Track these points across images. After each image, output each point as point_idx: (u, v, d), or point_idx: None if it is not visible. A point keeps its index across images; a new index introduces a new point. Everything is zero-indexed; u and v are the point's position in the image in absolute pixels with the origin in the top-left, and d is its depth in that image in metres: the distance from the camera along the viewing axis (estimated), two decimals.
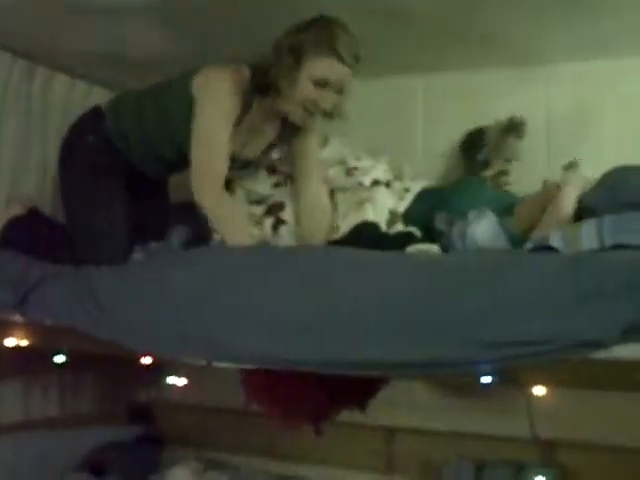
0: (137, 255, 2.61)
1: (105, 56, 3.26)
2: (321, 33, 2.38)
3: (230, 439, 3.55)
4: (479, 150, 2.96)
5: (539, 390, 2.37)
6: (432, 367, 1.89)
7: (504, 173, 2.93)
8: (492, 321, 1.79)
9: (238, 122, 2.53)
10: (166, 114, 2.61)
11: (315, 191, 2.70)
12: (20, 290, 2.45)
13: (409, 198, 2.78)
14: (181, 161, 2.68)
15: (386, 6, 2.65)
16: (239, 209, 2.59)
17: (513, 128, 2.92)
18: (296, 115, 2.51)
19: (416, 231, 2.59)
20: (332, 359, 1.95)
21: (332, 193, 2.75)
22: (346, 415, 2.77)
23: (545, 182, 2.55)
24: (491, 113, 3.01)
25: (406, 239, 2.51)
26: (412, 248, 2.44)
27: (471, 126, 3.06)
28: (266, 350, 2.02)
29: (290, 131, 2.72)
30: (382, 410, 2.86)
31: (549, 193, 2.47)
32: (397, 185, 2.83)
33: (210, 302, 2.13)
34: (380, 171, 2.83)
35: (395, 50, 3.02)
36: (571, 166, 2.53)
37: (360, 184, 2.76)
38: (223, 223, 2.48)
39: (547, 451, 2.87)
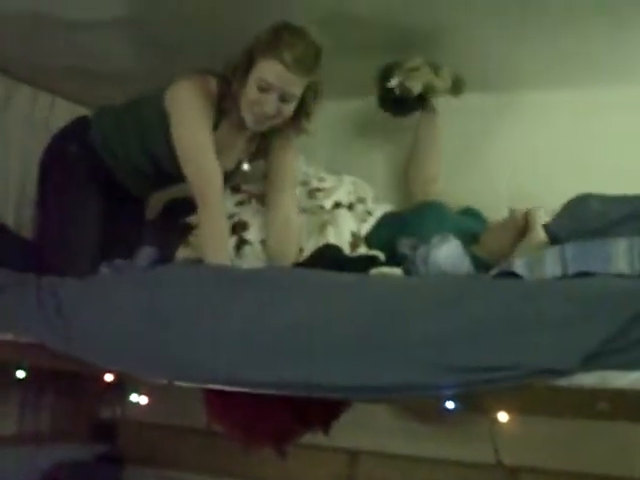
0: (104, 270, 2.58)
1: (71, 69, 3.23)
2: (272, 37, 2.38)
3: (192, 459, 3.50)
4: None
5: (503, 416, 2.36)
6: (392, 391, 1.87)
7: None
8: (454, 346, 1.79)
9: (213, 129, 2.53)
10: (143, 129, 2.62)
11: (287, 208, 2.67)
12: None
13: (371, 221, 2.75)
14: (161, 177, 2.69)
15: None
16: (226, 229, 2.56)
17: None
18: (248, 121, 2.50)
19: (379, 254, 2.56)
20: (292, 382, 1.93)
21: None
22: (309, 437, 2.75)
23: (511, 210, 2.54)
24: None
25: (369, 262, 2.49)
26: (375, 271, 2.41)
27: None
28: (232, 372, 2.00)
29: (264, 145, 2.71)
30: (345, 433, 2.83)
31: (516, 220, 2.46)
32: (360, 208, 2.80)
33: (178, 322, 2.10)
34: (343, 193, 2.80)
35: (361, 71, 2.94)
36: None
37: (321, 207, 2.74)
38: (210, 241, 2.46)
39: (512, 476, 2.85)
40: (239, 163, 2.76)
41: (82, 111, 3.33)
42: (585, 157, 2.93)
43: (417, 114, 2.92)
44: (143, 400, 2.67)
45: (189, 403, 2.86)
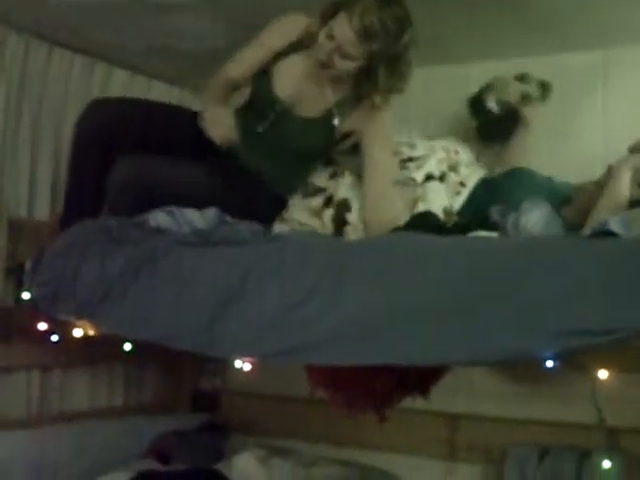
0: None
1: (161, 49, 3.33)
2: None
3: (293, 426, 3.58)
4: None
5: (603, 374, 2.34)
6: (500, 359, 1.92)
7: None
8: (562, 310, 1.77)
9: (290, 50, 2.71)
10: None
11: (382, 178, 2.69)
12: (90, 301, 2.47)
13: (465, 193, 2.75)
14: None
15: None
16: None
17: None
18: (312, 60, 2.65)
19: (473, 223, 2.53)
20: (396, 355, 1.96)
21: None
22: (408, 402, 2.77)
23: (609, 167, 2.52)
24: None
25: (464, 229, 2.45)
26: (473, 234, 2.38)
27: None
28: (332, 352, 2.05)
29: (354, 103, 2.75)
30: (445, 396, 2.85)
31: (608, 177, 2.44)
32: (452, 177, 2.77)
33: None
34: (434, 163, 2.77)
35: (454, 38, 3.02)
36: (637, 148, 2.46)
37: (412, 179, 2.73)
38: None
39: (612, 437, 2.83)
40: (327, 113, 2.76)
41: (177, 92, 3.44)
42: None
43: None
44: (247, 367, 2.72)
45: (289, 371, 2.91)
